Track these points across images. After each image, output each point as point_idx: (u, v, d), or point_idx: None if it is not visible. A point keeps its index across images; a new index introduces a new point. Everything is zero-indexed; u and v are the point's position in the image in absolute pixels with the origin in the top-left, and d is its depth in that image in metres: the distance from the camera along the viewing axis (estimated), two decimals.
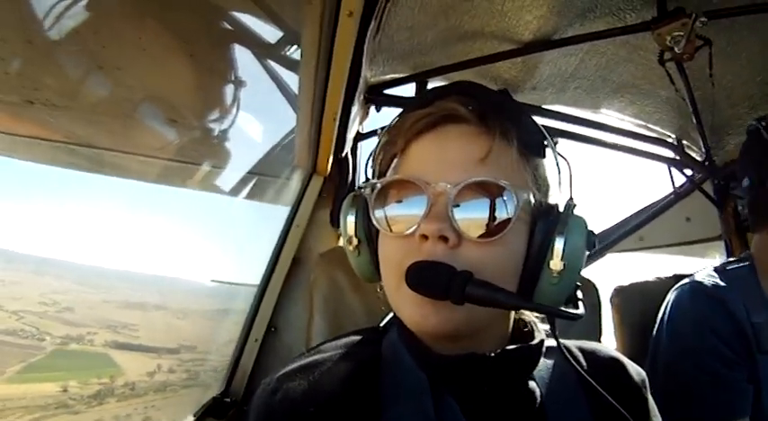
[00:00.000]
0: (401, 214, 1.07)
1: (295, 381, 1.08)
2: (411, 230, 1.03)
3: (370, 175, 1.23)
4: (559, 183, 1.18)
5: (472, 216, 1.03)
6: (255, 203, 2.92)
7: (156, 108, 2.05)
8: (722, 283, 1.92)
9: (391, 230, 1.07)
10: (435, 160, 1.08)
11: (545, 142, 1.17)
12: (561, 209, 1.11)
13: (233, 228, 2.79)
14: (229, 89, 2.11)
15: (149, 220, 2.69)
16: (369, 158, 1.23)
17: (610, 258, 3.71)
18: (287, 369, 1.13)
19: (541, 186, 1.16)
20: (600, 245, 3.65)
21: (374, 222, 1.10)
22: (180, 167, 2.48)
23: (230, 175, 2.67)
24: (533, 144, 1.16)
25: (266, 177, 2.81)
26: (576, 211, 1.11)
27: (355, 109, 2.33)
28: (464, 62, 2.60)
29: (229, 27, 1.87)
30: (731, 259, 2.05)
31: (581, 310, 1.07)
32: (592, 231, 1.10)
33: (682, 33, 2.23)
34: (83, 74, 1.80)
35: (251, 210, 2.97)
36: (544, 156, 1.18)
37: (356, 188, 1.22)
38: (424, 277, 0.99)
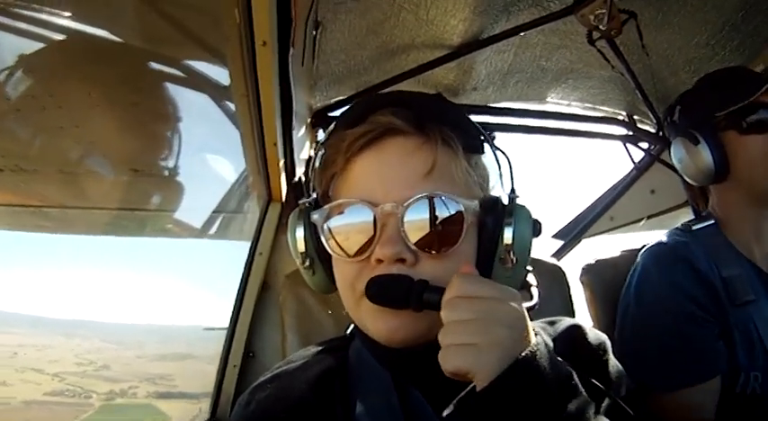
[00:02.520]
0: (352, 238, 1.09)
1: (266, 391, 1.13)
2: (366, 255, 1.06)
3: (312, 195, 1.23)
4: (500, 175, 1.21)
5: (425, 233, 1.06)
6: (233, 242, 2.97)
7: (118, 159, 2.10)
8: (686, 240, 1.93)
9: (344, 255, 1.09)
10: (379, 178, 1.10)
11: (482, 138, 1.21)
12: (505, 201, 1.16)
13: (225, 270, 2.84)
14: (181, 131, 2.17)
15: (149, 274, 2.74)
16: (307, 177, 1.27)
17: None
18: (258, 382, 1.17)
19: (484, 182, 1.21)
20: (573, 232, 3.68)
21: (326, 248, 1.12)
22: (150, 216, 2.55)
23: (201, 218, 2.72)
24: (473, 143, 1.20)
25: (234, 214, 2.87)
26: (519, 201, 1.16)
27: (300, 133, 2.38)
28: (402, 74, 2.64)
29: (167, 70, 1.93)
30: (693, 219, 2.05)
31: (534, 300, 1.13)
32: (537, 219, 1.15)
33: (603, 11, 2.28)
34: (47, 136, 1.87)
35: (230, 248, 3.02)
36: (483, 152, 1.22)
37: (298, 204, 1.22)
38: (384, 290, 1.03)
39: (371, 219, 1.06)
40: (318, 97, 2.77)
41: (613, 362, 1.28)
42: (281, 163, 2.25)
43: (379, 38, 2.45)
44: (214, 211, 2.73)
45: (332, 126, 1.24)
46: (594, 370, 1.21)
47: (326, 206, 1.12)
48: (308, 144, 2.74)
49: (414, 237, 1.04)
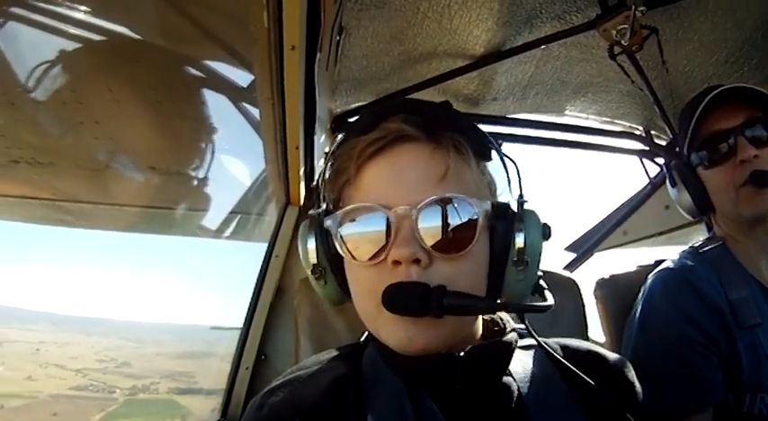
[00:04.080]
0: (366, 242, 1.07)
1: (279, 395, 1.12)
2: (381, 258, 1.05)
3: (324, 202, 1.22)
4: (509, 181, 1.21)
5: (439, 235, 1.05)
6: (250, 244, 2.99)
7: (137, 157, 2.11)
8: (692, 264, 1.92)
9: (359, 259, 1.08)
10: (392, 183, 1.10)
11: (490, 145, 1.21)
12: (514, 206, 1.16)
13: (241, 271, 2.87)
14: (202, 131, 2.18)
15: (165, 273, 2.76)
16: (319, 184, 1.24)
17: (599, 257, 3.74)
18: (271, 385, 1.16)
19: (492, 188, 1.22)
20: (586, 244, 3.68)
21: (341, 252, 1.10)
22: (169, 214, 2.55)
23: (219, 218, 2.73)
24: (482, 150, 1.20)
25: (252, 215, 2.88)
26: (527, 207, 1.15)
27: (321, 138, 2.39)
28: (422, 82, 2.65)
29: (191, 71, 1.94)
30: (702, 240, 2.05)
31: (550, 301, 1.10)
32: (546, 223, 1.14)
33: (626, 26, 2.29)
34: (65, 130, 1.87)
35: (247, 250, 3.03)
36: (491, 159, 1.22)
37: (309, 214, 1.21)
38: (402, 298, 1.01)
39: (386, 221, 1.05)
40: (339, 102, 2.78)
41: (638, 384, 1.28)
42: (302, 167, 2.26)
43: (401, 45, 2.46)
44: (232, 212, 2.74)
45: (341, 135, 1.24)
46: (620, 391, 1.23)
47: (339, 212, 1.11)
48: (327, 149, 2.74)
49: (428, 238, 1.04)
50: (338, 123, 2.81)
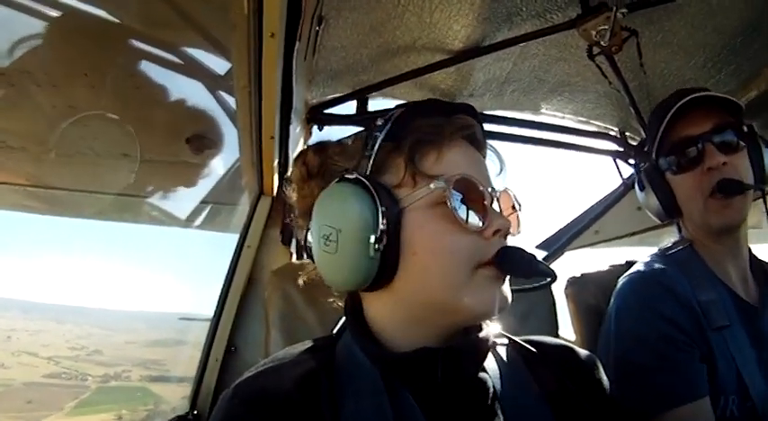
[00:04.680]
0: (474, 210, 1.10)
1: (250, 387, 1.10)
2: (483, 227, 1.10)
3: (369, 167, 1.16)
4: None
5: (513, 216, 1.19)
6: (222, 234, 2.97)
7: (110, 143, 2.07)
8: (663, 267, 1.91)
9: (472, 226, 1.09)
10: (477, 167, 1.17)
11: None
12: None
13: (213, 261, 2.84)
14: (177, 119, 2.15)
15: (137, 261, 2.73)
16: (369, 151, 1.20)
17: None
18: (243, 377, 1.13)
19: None
20: (557, 243, 3.70)
21: (458, 217, 1.07)
22: (141, 203, 2.53)
23: (191, 207, 2.70)
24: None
25: (225, 205, 2.85)
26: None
27: (297, 129, 2.37)
28: (400, 76, 2.65)
29: (168, 57, 1.91)
30: (670, 243, 2.06)
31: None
32: None
33: (606, 27, 2.30)
34: (38, 114, 1.85)
35: (219, 239, 3.01)
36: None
37: (359, 180, 1.13)
38: (518, 260, 1.09)
39: (488, 194, 1.12)
40: (315, 93, 2.76)
41: (606, 381, 1.31)
42: (276, 157, 2.23)
43: (380, 37, 2.44)
44: (204, 201, 2.72)
45: (407, 110, 1.21)
46: (589, 387, 1.26)
47: (453, 175, 1.09)
48: (302, 140, 2.74)
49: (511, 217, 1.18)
50: (314, 114, 2.79)
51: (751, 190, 1.82)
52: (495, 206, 1.15)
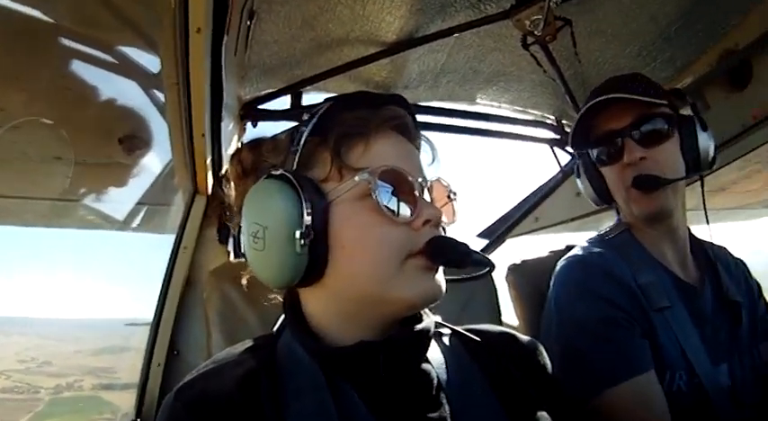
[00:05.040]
0: (402, 201, 1.11)
1: (191, 392, 1.08)
2: (413, 217, 1.11)
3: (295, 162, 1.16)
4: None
5: (445, 206, 1.22)
6: (162, 235, 2.91)
7: (43, 146, 2.01)
8: (601, 250, 1.94)
9: (402, 217, 1.10)
10: (406, 157, 1.17)
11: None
12: None
13: (152, 264, 2.77)
14: (108, 119, 2.09)
15: (77, 267, 2.67)
16: (296, 146, 1.16)
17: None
18: (183, 382, 1.11)
19: None
20: (498, 231, 3.72)
21: (383, 209, 1.07)
22: (76, 207, 2.47)
23: (127, 210, 2.64)
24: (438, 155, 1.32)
25: (161, 206, 2.80)
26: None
27: (230, 126, 2.33)
28: (334, 69, 2.62)
29: (97, 55, 1.84)
30: (608, 228, 2.08)
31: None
32: None
33: (540, 17, 2.31)
34: None
35: (157, 242, 2.95)
36: None
37: (286, 176, 1.12)
38: (448, 249, 1.11)
39: (416, 185, 1.13)
40: (249, 89, 2.72)
41: (549, 366, 1.34)
42: (209, 155, 2.19)
43: (313, 31, 2.41)
44: (140, 203, 2.65)
45: (334, 103, 1.21)
46: (532, 373, 1.29)
47: (379, 167, 1.09)
48: (236, 137, 2.69)
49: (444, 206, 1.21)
50: (248, 110, 2.75)
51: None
52: (427, 196, 1.16)
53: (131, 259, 2.99)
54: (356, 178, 1.08)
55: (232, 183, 1.28)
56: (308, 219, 1.06)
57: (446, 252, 1.11)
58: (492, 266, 1.16)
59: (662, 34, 2.66)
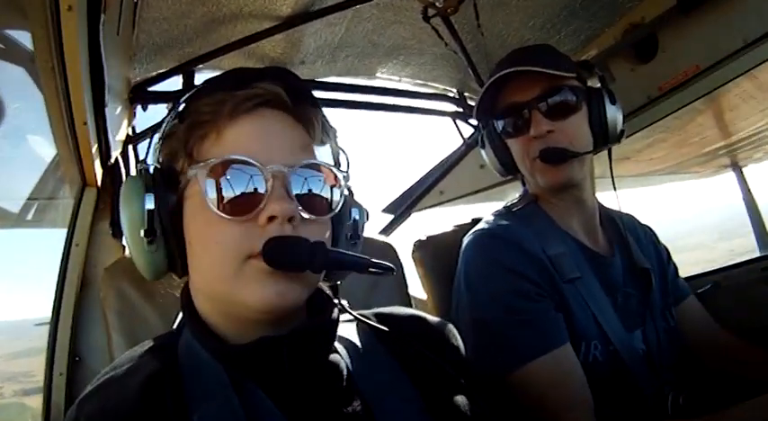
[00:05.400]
0: (241, 196, 1.03)
1: (92, 404, 1.02)
2: (253, 214, 1.02)
3: (156, 161, 1.15)
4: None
5: (312, 196, 1.08)
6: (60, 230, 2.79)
7: None
8: (508, 223, 1.94)
9: (233, 215, 1.02)
10: (263, 142, 1.08)
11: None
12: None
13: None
14: None
15: None
16: (158, 142, 1.14)
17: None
18: (84, 393, 1.05)
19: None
20: (402, 206, 3.72)
21: (210, 207, 1.02)
22: None
23: (18, 205, 2.51)
24: (330, 130, 1.21)
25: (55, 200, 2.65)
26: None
27: (117, 110, 2.21)
28: (227, 46, 2.53)
29: None
30: (514, 200, 2.09)
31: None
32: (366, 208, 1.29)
33: None
34: None
35: (53, 238, 2.83)
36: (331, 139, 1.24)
37: (139, 167, 1.12)
38: (287, 251, 1.00)
39: (262, 176, 1.03)
40: (138, 70, 2.58)
41: (461, 345, 1.33)
42: (94, 143, 2.07)
43: (204, 6, 2.30)
44: (31, 198, 2.52)
45: (198, 88, 1.16)
46: (443, 353, 1.26)
47: (208, 162, 1.03)
48: (125, 122, 2.56)
49: (299, 199, 1.06)
50: (138, 93, 2.61)
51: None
52: (282, 188, 1.05)
53: (32, 256, 2.89)
54: (188, 173, 1.07)
55: None
56: (148, 216, 1.05)
57: (283, 255, 1.01)
58: (350, 268, 1.08)
59: (566, 7, 2.67)
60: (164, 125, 1.12)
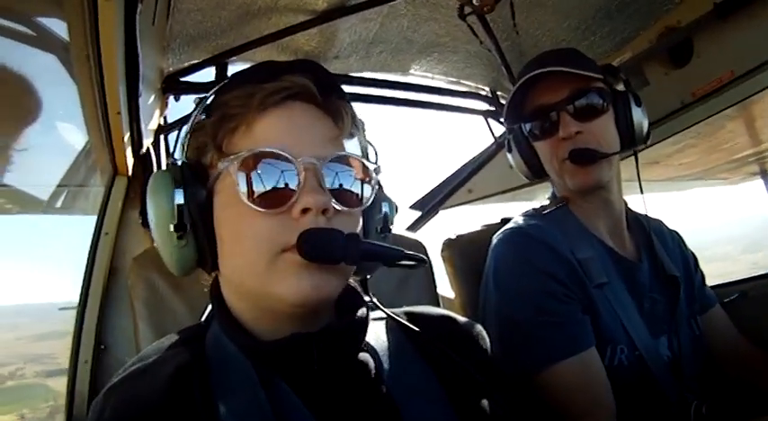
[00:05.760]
0: (269, 189, 1.03)
1: (120, 395, 1.02)
2: (287, 206, 1.02)
3: (183, 155, 1.14)
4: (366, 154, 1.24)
5: (345, 188, 1.08)
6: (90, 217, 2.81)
7: None
8: (539, 223, 1.93)
9: (267, 207, 1.02)
10: (294, 134, 1.08)
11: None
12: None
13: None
14: (25, 97, 1.95)
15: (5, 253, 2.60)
16: (186, 136, 1.13)
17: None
18: (111, 383, 1.05)
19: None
20: (431, 203, 3.71)
21: (244, 200, 1.02)
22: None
23: (48, 192, 2.52)
24: (359, 123, 1.21)
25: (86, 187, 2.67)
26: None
27: (149, 100, 2.21)
28: (261, 38, 2.52)
29: (3, 26, 1.72)
30: (546, 203, 2.08)
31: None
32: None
33: None
34: None
35: (84, 225, 2.85)
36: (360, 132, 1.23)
37: (170, 165, 1.12)
38: (322, 243, 0.99)
39: (294, 168, 1.03)
40: (171, 60, 2.58)
41: (489, 348, 1.33)
42: (127, 133, 2.07)
43: None
44: (61, 185, 2.54)
45: (228, 81, 1.17)
46: (474, 356, 1.26)
47: (240, 155, 1.04)
48: (157, 112, 2.57)
49: (332, 191, 1.06)
50: (170, 83, 2.61)
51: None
52: (314, 180, 1.04)
53: (57, 242, 2.91)
54: (219, 166, 1.06)
55: None
56: (179, 211, 1.05)
57: (319, 247, 1.00)
58: (384, 260, 1.06)
59: (602, 8, 2.64)
60: (191, 119, 1.12)
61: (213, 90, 1.14)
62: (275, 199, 1.02)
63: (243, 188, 1.02)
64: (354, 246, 1.00)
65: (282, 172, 1.03)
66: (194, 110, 1.13)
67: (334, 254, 0.99)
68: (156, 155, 2.66)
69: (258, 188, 1.02)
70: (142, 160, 2.33)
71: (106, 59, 1.63)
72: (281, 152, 1.02)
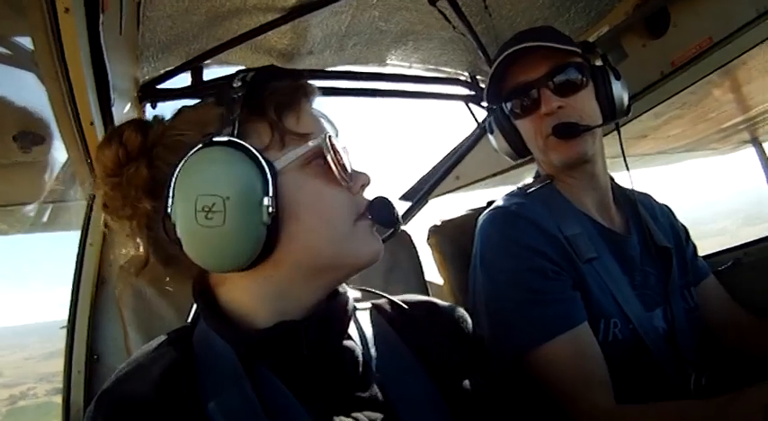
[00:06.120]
0: (344, 167, 1.14)
1: (110, 400, 1.02)
2: (354, 180, 1.17)
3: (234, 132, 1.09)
4: None
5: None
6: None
7: None
8: (524, 201, 1.94)
9: (347, 182, 1.15)
10: (318, 125, 1.19)
11: None
12: None
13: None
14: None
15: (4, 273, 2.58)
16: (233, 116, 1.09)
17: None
18: (103, 388, 1.05)
19: None
20: (419, 193, 3.71)
21: (338, 174, 1.12)
22: None
23: (33, 210, 2.52)
24: None
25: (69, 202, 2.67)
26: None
27: (125, 109, 2.21)
28: (234, 40, 2.52)
29: None
30: (529, 182, 2.09)
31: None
32: None
33: None
34: None
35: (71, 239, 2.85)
36: None
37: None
38: (388, 211, 1.20)
39: (346, 151, 1.18)
40: (146, 69, 2.58)
41: (472, 333, 1.37)
42: None
43: (208, 2, 2.29)
44: (45, 202, 2.53)
45: (262, 73, 1.19)
46: (455, 340, 1.31)
47: (315, 137, 1.13)
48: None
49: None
50: (146, 91, 2.60)
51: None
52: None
53: (51, 259, 2.92)
54: (310, 143, 1.11)
55: (108, 171, 1.14)
56: (273, 185, 1.03)
57: (386, 212, 1.19)
58: (398, 225, 1.24)
59: None
60: (237, 105, 1.10)
61: (248, 80, 1.13)
62: (347, 175, 1.15)
63: (334, 166, 1.11)
64: (398, 214, 1.21)
65: (342, 152, 1.15)
66: (229, 96, 1.11)
67: (396, 218, 1.20)
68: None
69: (344, 165, 1.14)
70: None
71: (73, 71, 1.63)
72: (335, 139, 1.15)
